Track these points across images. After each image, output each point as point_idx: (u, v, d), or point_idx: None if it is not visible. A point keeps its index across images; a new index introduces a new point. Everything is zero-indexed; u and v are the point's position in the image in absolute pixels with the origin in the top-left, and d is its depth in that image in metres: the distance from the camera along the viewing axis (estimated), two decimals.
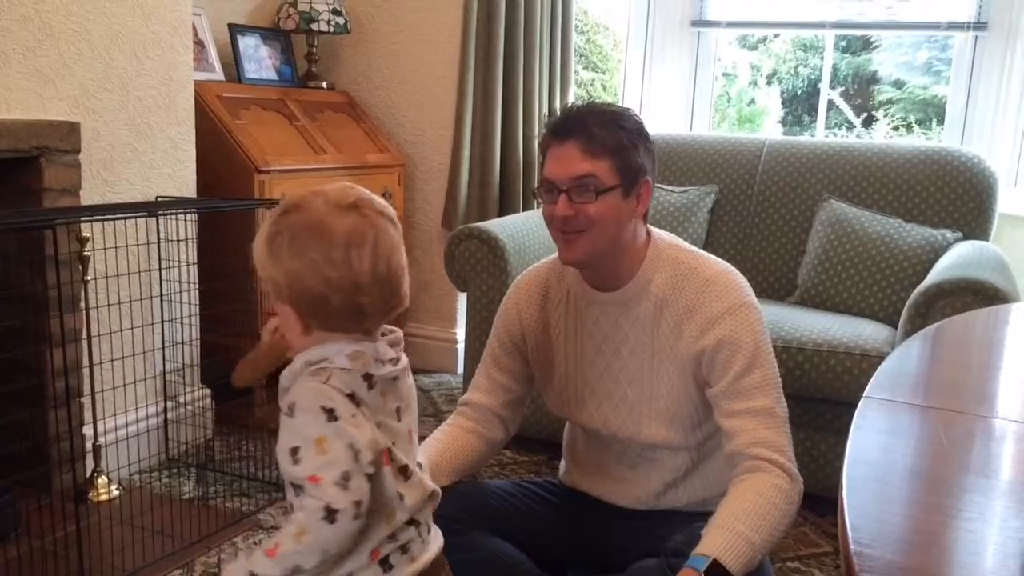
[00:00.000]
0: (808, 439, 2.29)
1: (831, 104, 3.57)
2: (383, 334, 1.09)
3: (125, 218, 2.25)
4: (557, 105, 3.31)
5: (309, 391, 1.01)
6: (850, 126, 3.69)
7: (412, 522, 1.08)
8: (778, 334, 2.27)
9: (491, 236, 2.55)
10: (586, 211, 1.44)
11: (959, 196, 2.67)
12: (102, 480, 2.29)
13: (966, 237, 2.62)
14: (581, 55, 4.54)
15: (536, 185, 1.63)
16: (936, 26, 3.12)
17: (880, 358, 2.14)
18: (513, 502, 1.63)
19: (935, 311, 2.08)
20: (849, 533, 0.73)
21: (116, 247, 2.31)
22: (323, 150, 3.01)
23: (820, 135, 3.43)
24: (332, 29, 3.22)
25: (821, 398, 2.25)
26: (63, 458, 2.17)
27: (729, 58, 3.81)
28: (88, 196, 2.27)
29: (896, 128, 3.75)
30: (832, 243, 2.63)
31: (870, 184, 2.76)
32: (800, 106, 3.93)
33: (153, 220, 2.38)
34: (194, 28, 2.77)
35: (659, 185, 2.92)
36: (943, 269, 2.25)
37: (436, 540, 1.14)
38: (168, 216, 2.41)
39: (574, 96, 3.45)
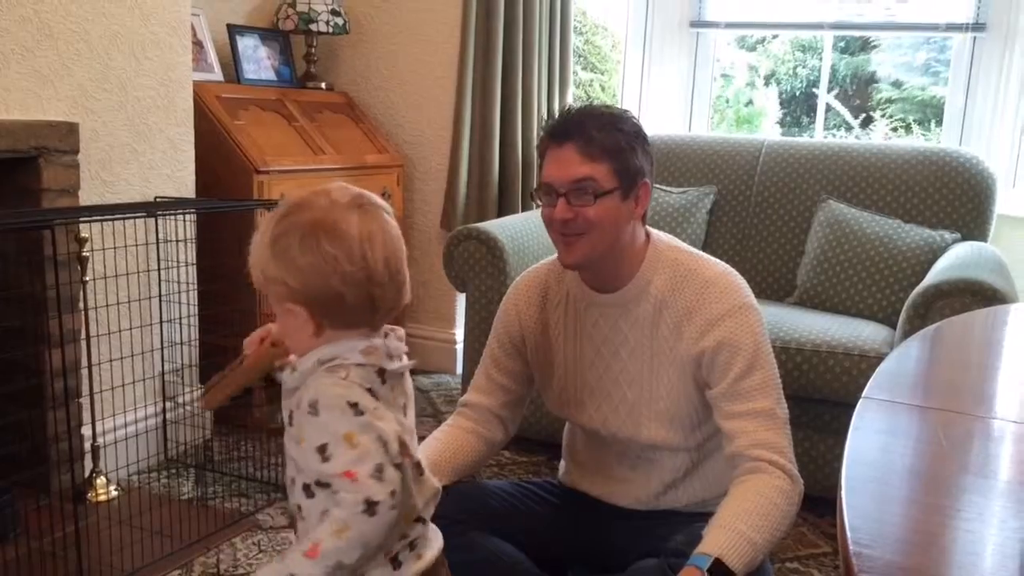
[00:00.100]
0: (807, 440, 2.29)
1: (829, 105, 3.58)
2: (385, 334, 1.09)
3: (124, 218, 2.25)
4: (556, 105, 3.31)
5: (331, 388, 1.01)
6: (848, 127, 3.69)
7: (419, 519, 1.09)
8: (777, 335, 2.27)
9: (490, 237, 2.55)
10: (585, 214, 1.44)
11: (957, 197, 2.67)
12: (101, 480, 2.29)
13: (964, 238, 2.63)
14: (580, 56, 4.54)
15: (535, 188, 1.63)
16: (935, 27, 3.12)
17: (879, 359, 2.14)
18: (513, 502, 1.64)
19: (934, 312, 2.08)
20: (848, 533, 0.73)
21: (115, 247, 2.31)
22: (322, 151, 3.01)
23: (819, 136, 3.43)
24: (331, 30, 3.22)
25: (820, 399, 2.25)
26: (62, 458, 2.17)
27: (728, 59, 3.81)
28: (87, 196, 2.27)
29: (895, 129, 3.75)
30: (831, 244, 2.63)
31: (869, 185, 2.77)
32: (799, 107, 3.93)
33: (152, 220, 2.38)
34: (193, 28, 2.77)
35: (657, 186, 2.92)
36: (942, 270, 2.25)
37: (437, 538, 1.15)
38: (167, 216, 2.41)
39: (573, 96, 3.46)
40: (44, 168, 2.13)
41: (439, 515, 1.16)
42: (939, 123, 3.27)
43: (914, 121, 3.70)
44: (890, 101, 3.73)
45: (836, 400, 2.23)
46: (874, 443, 0.95)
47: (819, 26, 3.31)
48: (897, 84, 3.66)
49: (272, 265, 1.03)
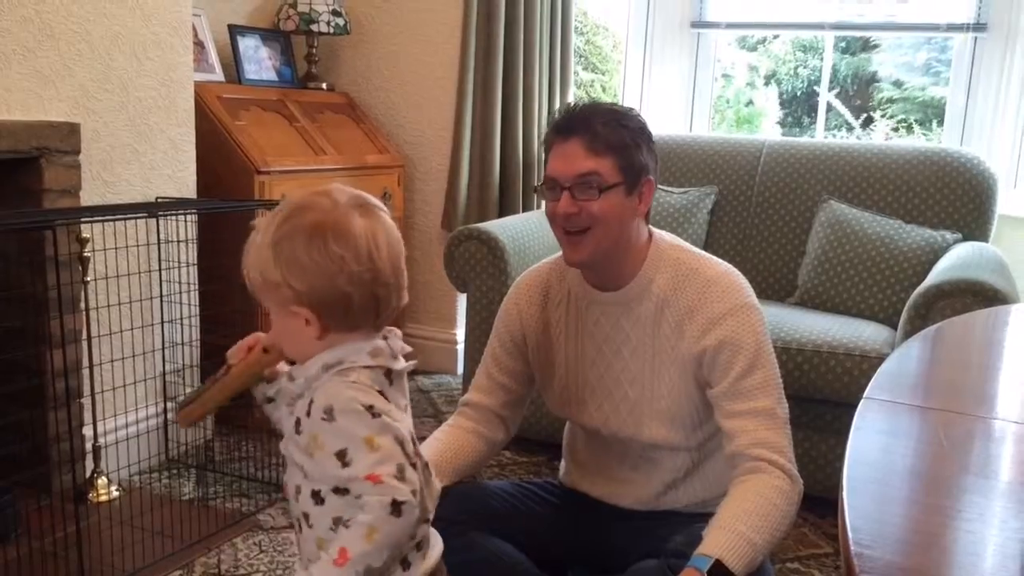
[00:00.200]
0: (808, 440, 2.29)
1: (830, 105, 3.57)
2: (384, 336, 1.09)
3: (125, 219, 2.26)
4: (557, 106, 3.31)
5: (344, 391, 1.01)
6: (849, 128, 3.69)
7: (424, 519, 1.09)
8: (778, 335, 2.27)
9: (491, 237, 2.55)
10: (589, 208, 1.44)
11: (959, 197, 2.67)
12: (102, 481, 2.29)
13: (966, 238, 2.63)
14: (581, 56, 4.54)
15: (539, 183, 1.63)
16: (935, 27, 3.12)
17: (880, 359, 2.14)
18: (513, 503, 1.64)
19: (935, 312, 2.08)
20: (849, 534, 0.73)
21: (116, 248, 2.31)
22: (323, 151, 3.02)
23: (820, 136, 3.43)
24: (332, 30, 3.22)
25: (821, 399, 2.25)
26: (63, 459, 2.17)
27: (728, 59, 3.81)
28: (88, 197, 2.27)
29: (896, 129, 3.75)
30: (832, 244, 2.63)
31: (870, 185, 2.77)
32: (799, 107, 3.93)
33: (153, 221, 2.38)
34: (194, 29, 2.77)
35: (659, 186, 2.92)
36: (943, 270, 2.25)
37: (438, 540, 1.15)
38: (168, 217, 2.41)
39: (574, 97, 3.46)
40: (45, 168, 2.13)
41: (440, 516, 1.16)
42: (940, 123, 3.27)
43: (915, 121, 3.70)
44: (891, 101, 3.72)
45: (837, 400, 2.23)
46: (875, 443, 0.95)
47: (820, 26, 3.31)
48: (898, 84, 3.66)
49: (274, 268, 1.02)
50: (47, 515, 2.05)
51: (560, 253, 1.56)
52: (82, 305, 2.20)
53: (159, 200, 2.45)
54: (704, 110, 3.51)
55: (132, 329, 2.40)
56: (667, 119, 3.49)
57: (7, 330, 2.06)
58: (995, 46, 2.97)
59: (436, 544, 1.14)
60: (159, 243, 2.43)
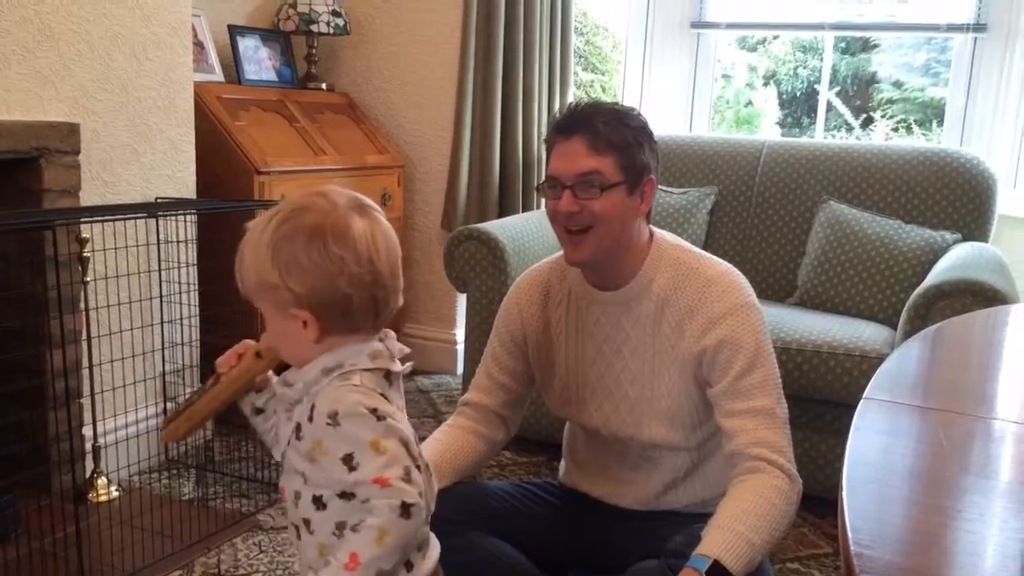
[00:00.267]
0: (808, 440, 2.29)
1: (830, 105, 3.57)
2: (380, 339, 1.09)
3: (125, 219, 2.25)
4: (557, 106, 3.31)
5: (348, 395, 1.00)
6: (849, 128, 3.69)
7: (426, 520, 1.09)
8: (778, 335, 2.27)
9: (491, 237, 2.55)
10: (590, 207, 1.44)
11: (958, 197, 2.67)
12: (102, 481, 2.29)
13: (965, 238, 2.63)
14: (580, 56, 4.54)
15: (540, 182, 1.63)
16: (935, 27, 3.12)
17: (880, 359, 2.14)
18: (513, 503, 1.64)
19: (935, 312, 2.08)
20: (849, 534, 0.73)
21: (116, 248, 2.31)
22: (323, 151, 3.02)
23: (819, 136, 3.43)
24: (332, 30, 3.22)
25: (821, 399, 2.25)
26: (63, 459, 2.17)
27: (728, 59, 3.81)
28: (88, 197, 2.27)
29: (895, 129, 3.75)
30: (832, 244, 2.63)
31: (869, 185, 2.77)
32: (799, 107, 3.93)
33: (153, 221, 2.38)
34: (194, 29, 2.77)
35: (659, 186, 2.92)
36: (943, 270, 2.25)
37: (436, 540, 1.15)
38: (168, 217, 2.41)
39: (574, 97, 3.45)
40: (45, 169, 2.13)
41: (439, 516, 1.15)
42: (940, 124, 3.27)
43: (915, 122, 3.70)
44: (891, 102, 3.73)
45: (837, 401, 2.23)
46: (875, 444, 0.95)
47: (820, 27, 3.31)
48: (898, 84, 3.66)
49: (272, 269, 1.01)
50: (47, 515, 2.05)
51: (560, 253, 1.57)
52: (82, 305, 2.20)
53: (159, 200, 2.45)
54: (704, 110, 3.51)
55: (132, 329, 2.40)
56: (667, 119, 3.49)
57: (7, 330, 2.06)
58: (995, 46, 2.97)
59: (435, 545, 1.14)
60: (159, 243, 2.43)
